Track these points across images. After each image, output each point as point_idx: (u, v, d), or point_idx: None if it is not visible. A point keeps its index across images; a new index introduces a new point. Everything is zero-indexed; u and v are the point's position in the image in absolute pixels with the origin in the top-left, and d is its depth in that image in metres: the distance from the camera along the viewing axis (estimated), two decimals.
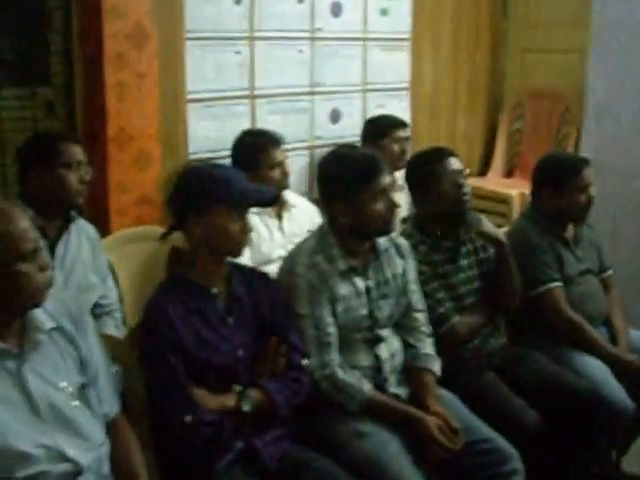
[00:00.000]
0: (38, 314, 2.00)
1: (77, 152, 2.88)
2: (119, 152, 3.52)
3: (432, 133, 4.78)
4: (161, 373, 2.34)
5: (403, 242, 2.90)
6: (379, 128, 4.04)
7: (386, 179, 2.68)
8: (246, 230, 2.43)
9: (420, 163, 3.13)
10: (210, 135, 3.83)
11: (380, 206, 2.66)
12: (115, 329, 3.01)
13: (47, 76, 3.64)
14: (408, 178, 3.16)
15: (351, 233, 2.71)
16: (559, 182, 3.33)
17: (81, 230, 3.02)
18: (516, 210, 4.56)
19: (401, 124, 4.11)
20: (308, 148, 4.23)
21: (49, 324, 2.03)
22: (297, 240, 3.66)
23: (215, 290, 2.45)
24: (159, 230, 3.63)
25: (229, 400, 2.38)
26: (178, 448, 2.34)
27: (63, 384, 2.01)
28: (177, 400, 2.32)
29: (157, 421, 2.38)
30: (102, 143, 3.50)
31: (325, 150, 4.27)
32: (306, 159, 4.23)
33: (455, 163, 3.08)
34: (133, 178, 3.58)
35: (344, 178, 2.66)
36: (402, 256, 2.86)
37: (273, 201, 2.54)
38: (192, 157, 3.79)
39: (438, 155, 3.11)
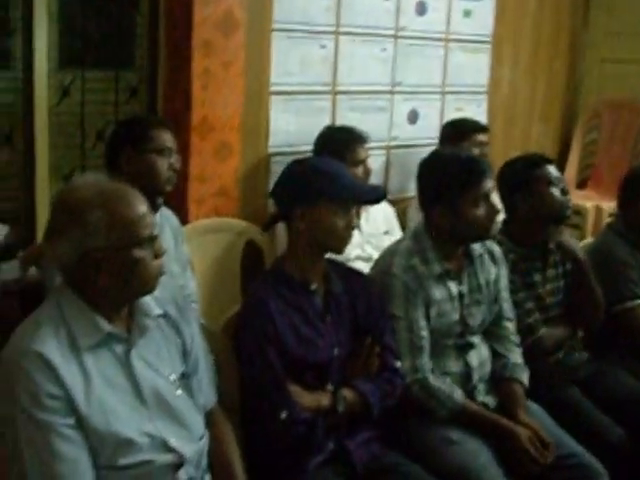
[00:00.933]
0: (146, 300, 1.97)
1: (168, 139, 2.83)
2: (201, 141, 3.48)
3: (507, 139, 4.70)
4: (258, 367, 2.29)
5: (496, 249, 2.83)
6: (460, 131, 3.96)
7: (489, 183, 2.61)
8: (351, 226, 2.37)
9: (523, 167, 3.04)
10: (290, 129, 3.79)
11: (481, 211, 2.59)
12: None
13: (131, 60, 3.63)
14: (506, 182, 3.09)
15: (448, 237, 2.65)
16: None
17: (164, 218, 2.98)
18: (591, 223, 4.47)
19: (482, 128, 4.04)
20: (385, 148, 4.18)
21: (156, 310, 1.99)
22: (374, 240, 3.65)
23: (314, 286, 2.40)
24: (236, 222, 3.64)
25: (324, 399, 2.33)
26: (270, 445, 2.30)
27: (167, 372, 1.98)
28: (273, 396, 2.28)
29: (250, 416, 2.33)
30: (185, 131, 3.45)
31: (401, 151, 4.27)
32: (382, 159, 4.17)
33: (556, 170, 3.03)
34: (213, 168, 3.53)
35: (446, 181, 2.60)
36: (495, 263, 2.80)
37: (381, 199, 2.48)
38: (271, 150, 3.74)
39: (540, 160, 3.05)
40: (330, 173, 2.35)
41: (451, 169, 2.61)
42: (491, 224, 2.64)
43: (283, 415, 2.25)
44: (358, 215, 3.58)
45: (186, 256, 3.09)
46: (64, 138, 3.52)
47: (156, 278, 1.92)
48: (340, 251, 2.42)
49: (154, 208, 2.90)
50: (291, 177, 2.41)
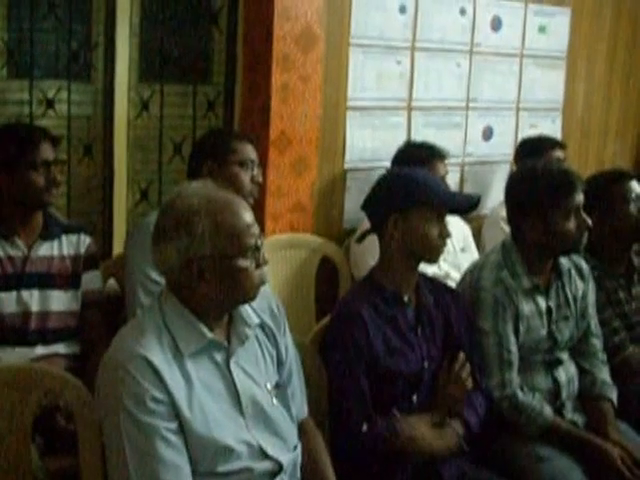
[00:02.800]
0: (246, 309, 1.97)
1: (251, 151, 2.85)
2: (279, 156, 3.48)
3: (581, 157, 4.64)
4: (344, 379, 2.28)
5: (584, 264, 2.80)
6: (536, 147, 3.91)
7: (580, 197, 2.58)
8: (444, 235, 2.36)
9: (603, 182, 3.02)
10: (366, 145, 3.77)
11: (572, 224, 2.57)
12: None
13: (209, 75, 3.65)
14: (587, 197, 3.03)
15: (538, 250, 2.62)
16: None
17: None
18: None
19: (558, 144, 3.99)
20: (459, 164, 4.15)
21: (255, 320, 1.99)
22: (450, 258, 3.60)
23: (406, 298, 2.39)
24: (312, 238, 3.63)
25: (451, 440, 2.31)
26: (353, 457, 2.27)
27: (264, 381, 1.97)
28: (356, 407, 2.27)
29: (335, 428, 2.32)
30: (262, 145, 3.45)
31: (475, 167, 4.23)
32: (457, 175, 4.14)
33: (638, 187, 2.99)
34: (290, 183, 3.53)
35: (539, 193, 2.57)
36: (583, 278, 2.76)
37: (473, 208, 2.45)
38: (347, 166, 3.73)
39: (623, 176, 3.03)
40: (424, 181, 2.36)
41: (544, 181, 2.58)
42: (581, 237, 2.62)
43: (364, 428, 2.24)
44: None
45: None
46: (142, 152, 3.55)
47: (258, 287, 1.92)
48: (434, 260, 2.41)
49: None
50: (385, 185, 2.41)
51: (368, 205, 2.43)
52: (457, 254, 3.63)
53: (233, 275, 1.85)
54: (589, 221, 2.61)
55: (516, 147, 4.07)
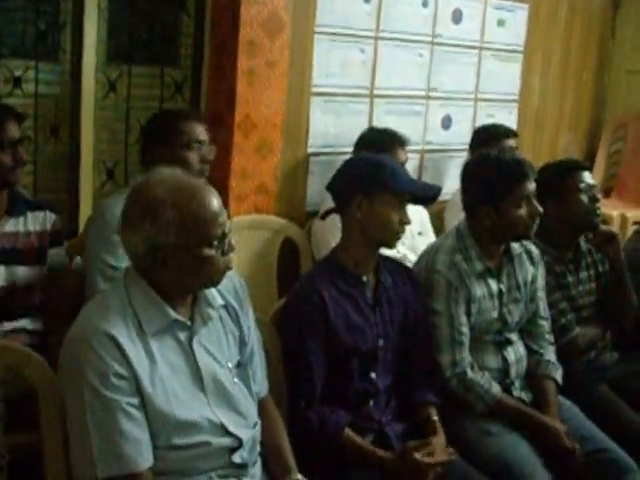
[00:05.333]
0: (210, 290, 2.02)
1: (199, 131, 2.82)
2: (244, 139, 3.55)
3: (535, 147, 4.78)
4: (295, 355, 2.39)
5: (534, 249, 2.91)
6: (490, 135, 4.03)
7: (532, 185, 2.69)
8: (404, 222, 2.45)
9: (556, 172, 3.12)
10: (329, 130, 3.86)
11: (523, 211, 2.67)
12: None
13: (177, 57, 3.71)
14: (540, 186, 3.15)
15: (490, 236, 2.72)
16: None
17: None
18: (616, 230, 4.52)
19: (511, 133, 4.11)
20: (419, 152, 4.26)
21: (219, 301, 2.05)
22: (408, 241, 3.71)
23: (365, 278, 2.48)
24: (275, 220, 3.71)
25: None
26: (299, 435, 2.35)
27: (226, 360, 2.04)
28: (300, 386, 2.37)
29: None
30: (228, 128, 3.53)
31: (434, 155, 4.34)
32: (416, 162, 4.25)
33: (590, 177, 3.10)
34: (254, 166, 3.60)
35: (491, 181, 2.67)
36: (533, 263, 2.88)
37: (435, 198, 2.55)
38: (310, 151, 3.81)
39: (575, 166, 3.12)
40: (391, 168, 2.45)
41: (496, 170, 2.69)
42: (532, 224, 2.72)
43: (302, 404, 2.34)
44: None
45: None
46: (109, 132, 3.60)
47: (222, 274, 1.96)
48: (392, 245, 2.50)
49: None
50: (353, 168, 2.49)
51: (334, 185, 2.51)
52: (415, 238, 3.74)
53: (198, 263, 1.89)
54: (540, 209, 2.72)
55: (471, 135, 4.18)
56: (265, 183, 3.65)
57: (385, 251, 3.51)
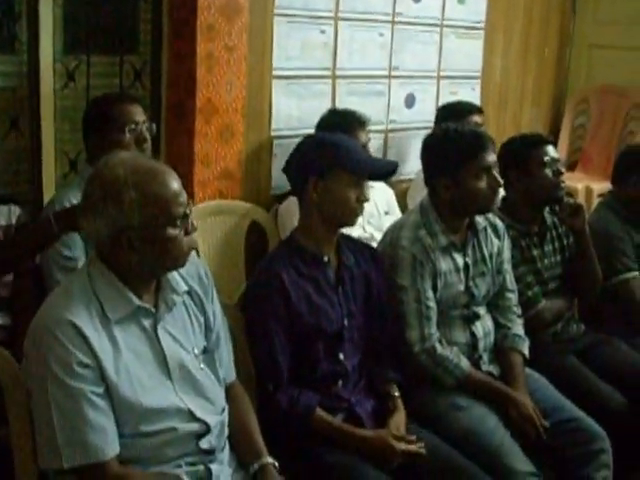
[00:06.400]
0: (174, 275, 2.02)
1: (132, 112, 2.77)
2: (206, 124, 3.53)
3: (499, 123, 4.80)
4: (259, 339, 2.38)
5: (499, 223, 2.93)
6: (454, 112, 4.03)
7: (491, 157, 2.70)
8: (362, 199, 2.44)
9: (521, 146, 3.14)
10: (292, 113, 3.85)
11: (483, 183, 2.68)
12: None
13: (135, 45, 3.67)
14: (504, 160, 3.17)
15: (452, 209, 2.73)
16: None
17: None
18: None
19: (477, 109, 4.12)
20: (383, 131, 4.26)
21: (183, 286, 2.05)
22: (374, 221, 3.73)
23: (327, 258, 2.48)
24: (240, 205, 3.70)
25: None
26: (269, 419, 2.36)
27: (191, 346, 2.04)
28: (267, 370, 2.37)
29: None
30: (189, 114, 3.51)
31: (398, 134, 4.34)
32: (380, 142, 4.25)
33: (554, 151, 3.12)
34: (217, 151, 3.59)
35: (449, 153, 2.68)
36: (499, 236, 2.89)
37: (391, 174, 2.55)
38: (274, 134, 3.80)
39: (539, 140, 3.14)
40: (344, 146, 2.43)
41: (454, 142, 2.70)
42: (493, 196, 2.73)
43: (270, 387, 2.34)
44: None
45: None
46: (69, 122, 3.55)
47: (187, 254, 1.97)
48: (351, 223, 2.49)
49: None
50: (306, 149, 2.48)
51: (289, 168, 2.50)
52: (381, 217, 3.75)
53: (162, 244, 1.89)
54: (501, 180, 2.73)
55: (436, 112, 4.19)
56: (229, 168, 3.64)
57: (352, 231, 3.58)
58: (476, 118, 4.07)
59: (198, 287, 2.10)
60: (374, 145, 4.08)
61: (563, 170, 3.13)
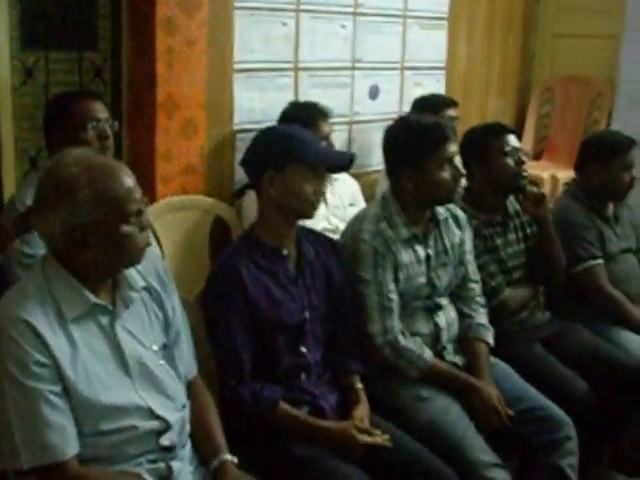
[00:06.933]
0: (131, 272, 2.01)
1: (93, 109, 2.75)
2: (167, 119, 3.50)
3: (464, 113, 4.75)
4: (219, 334, 2.37)
5: (460, 213, 2.93)
6: (430, 106, 4.03)
7: (453, 147, 2.70)
8: (319, 192, 2.43)
9: (482, 135, 3.14)
10: (255, 106, 3.82)
11: (446, 174, 2.68)
12: None
13: (95, 41, 3.64)
14: (466, 150, 3.18)
15: (414, 200, 2.73)
16: (607, 158, 3.39)
17: None
18: (547, 192, 4.58)
19: (452, 103, 4.12)
20: (347, 123, 4.24)
21: (140, 283, 2.04)
22: (339, 212, 3.72)
23: (286, 251, 2.47)
24: (203, 200, 3.68)
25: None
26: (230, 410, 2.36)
27: (150, 343, 2.03)
28: (228, 364, 2.36)
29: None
30: (150, 110, 3.48)
31: (363, 126, 4.33)
32: (345, 134, 4.24)
33: (515, 140, 3.12)
34: (179, 146, 3.56)
35: (412, 144, 2.68)
36: (460, 227, 2.90)
37: (349, 165, 2.54)
38: (236, 128, 3.78)
39: (500, 129, 3.14)
40: (300, 138, 2.42)
41: (416, 133, 2.69)
42: (456, 187, 2.74)
43: (232, 382, 2.33)
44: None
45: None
46: (29, 120, 3.52)
47: (142, 251, 1.97)
48: (309, 216, 2.48)
49: None
50: (261, 143, 2.47)
51: (245, 162, 2.49)
52: (346, 209, 3.75)
53: (117, 241, 1.88)
54: (462, 171, 2.74)
55: (411, 106, 4.18)
56: (191, 163, 3.61)
57: (317, 223, 3.59)
58: (451, 112, 4.07)
59: (156, 283, 2.09)
60: (339, 137, 4.08)
61: (525, 159, 3.13)
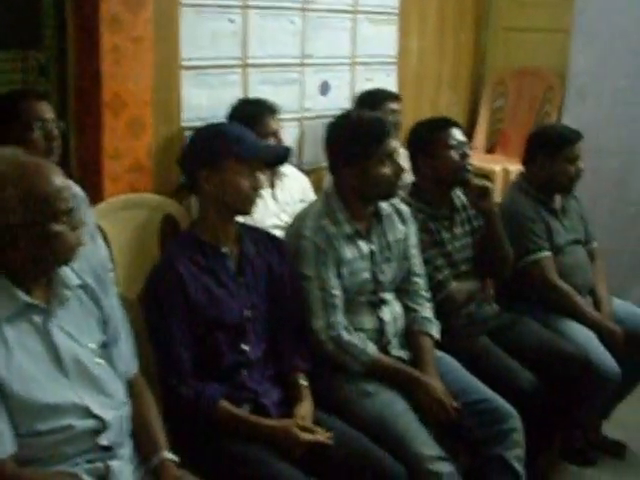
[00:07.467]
0: (65, 270, 2.01)
1: (40, 109, 2.74)
2: (113, 118, 3.46)
3: (416, 108, 4.79)
4: (159, 332, 2.38)
5: (404, 208, 2.95)
6: (372, 100, 4.05)
7: (393, 143, 2.72)
8: (256, 187, 2.44)
9: (426, 130, 3.17)
10: (203, 103, 3.79)
11: (387, 170, 2.70)
12: None
13: (39, 39, 3.58)
14: (411, 144, 3.20)
15: (356, 196, 2.75)
16: (553, 151, 3.42)
17: None
18: (499, 185, 4.62)
19: (394, 96, 4.15)
20: (298, 119, 4.23)
21: (75, 281, 2.03)
22: (289, 209, 3.72)
23: (225, 249, 2.47)
24: (152, 197, 3.65)
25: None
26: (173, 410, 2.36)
27: (87, 341, 2.02)
28: (168, 362, 2.36)
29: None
30: (96, 108, 3.44)
31: (314, 122, 4.33)
32: (296, 130, 4.22)
33: (460, 134, 3.14)
34: (127, 144, 3.52)
35: (352, 141, 2.70)
36: (404, 221, 2.91)
37: (284, 158, 2.54)
38: (185, 125, 3.75)
39: (445, 124, 3.16)
40: (234, 135, 2.43)
41: (357, 130, 2.71)
42: (397, 182, 2.76)
43: (173, 381, 2.33)
44: (272, 185, 3.70)
45: (93, 225, 3.08)
46: None
47: (74, 250, 1.96)
48: (247, 212, 2.49)
49: None
50: (196, 141, 2.48)
51: (181, 161, 2.49)
52: (296, 205, 3.73)
53: (47, 240, 1.88)
54: (403, 166, 2.76)
55: (354, 101, 4.19)
56: (139, 161, 3.58)
57: (267, 220, 3.59)
58: (392, 105, 4.09)
59: (93, 281, 2.09)
60: (290, 133, 4.08)
61: (469, 152, 3.17)
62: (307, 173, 3.96)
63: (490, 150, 5.21)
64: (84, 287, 2.06)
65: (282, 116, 3.76)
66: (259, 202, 3.56)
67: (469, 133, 5.24)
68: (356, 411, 2.59)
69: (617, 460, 3.60)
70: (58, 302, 1.98)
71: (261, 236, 2.62)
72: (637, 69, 4.47)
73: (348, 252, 2.71)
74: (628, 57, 4.47)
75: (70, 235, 1.92)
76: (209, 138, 2.43)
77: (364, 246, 2.76)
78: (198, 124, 3.73)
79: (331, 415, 2.52)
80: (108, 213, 3.42)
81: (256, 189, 2.44)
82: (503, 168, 4.75)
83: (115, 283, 3.12)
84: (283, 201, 3.71)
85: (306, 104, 4.26)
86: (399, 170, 2.73)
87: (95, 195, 3.33)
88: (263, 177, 2.49)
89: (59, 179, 1.91)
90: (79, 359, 1.98)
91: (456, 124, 3.21)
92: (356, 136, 2.69)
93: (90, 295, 2.08)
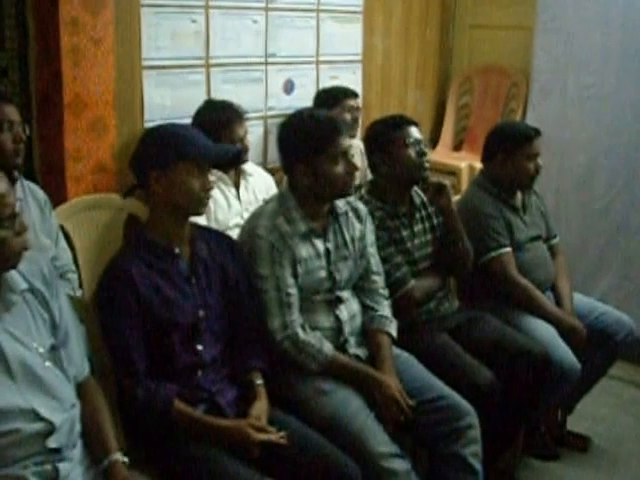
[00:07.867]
0: (12, 275, 2.01)
1: (7, 111, 2.77)
2: (75, 119, 3.48)
3: (383, 106, 4.83)
4: (111, 334, 2.38)
5: (361, 206, 2.96)
6: (331, 97, 4.09)
7: (346, 141, 2.72)
8: (207, 187, 2.44)
9: (383, 128, 3.17)
10: (166, 103, 3.81)
11: (340, 168, 2.71)
12: (70, 291, 2.97)
13: (1, 41, 3.58)
14: (368, 142, 3.22)
15: (311, 195, 2.75)
16: (511, 148, 3.44)
17: (28, 191, 2.97)
18: (465, 182, 4.66)
19: (352, 94, 4.18)
20: (262, 118, 4.25)
21: (22, 285, 2.03)
22: (252, 208, 3.70)
23: (178, 250, 2.47)
24: (115, 198, 3.66)
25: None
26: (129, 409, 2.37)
27: (35, 345, 2.03)
28: (121, 364, 2.37)
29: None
30: (57, 109, 3.46)
31: (278, 121, 4.33)
32: (260, 129, 4.24)
33: (417, 132, 3.16)
34: (89, 145, 3.54)
35: (304, 140, 2.70)
36: (360, 220, 2.92)
37: (235, 158, 2.55)
38: (147, 125, 3.76)
39: (402, 122, 3.17)
40: (183, 135, 2.43)
41: (309, 128, 2.71)
42: (350, 181, 2.76)
43: (128, 382, 2.34)
44: (236, 185, 3.71)
45: (56, 227, 3.09)
46: None
47: (18, 255, 1.97)
48: (198, 212, 2.50)
49: (12, 182, 2.89)
50: (146, 142, 2.47)
51: (132, 163, 2.49)
52: (260, 204, 3.75)
53: None
54: (357, 165, 2.78)
55: (313, 99, 4.21)
56: (102, 162, 3.60)
57: (231, 219, 3.60)
58: (352, 102, 4.13)
59: (41, 284, 2.09)
60: (254, 132, 4.10)
61: (426, 150, 3.18)
62: (271, 172, 3.98)
63: (457, 147, 5.24)
64: (32, 291, 2.07)
65: (246, 115, 3.77)
66: (223, 202, 3.64)
67: (436, 130, 5.30)
68: (313, 409, 2.60)
69: (581, 453, 3.63)
70: (5, 307, 1.98)
71: (215, 236, 2.63)
72: (601, 65, 4.50)
73: (303, 251, 2.72)
74: (592, 54, 4.50)
75: (14, 240, 1.93)
76: (159, 139, 2.42)
77: (320, 244, 2.77)
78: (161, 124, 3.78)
79: (288, 414, 2.52)
80: (71, 214, 3.42)
81: (206, 190, 2.44)
82: (469, 165, 4.78)
83: (79, 284, 3.16)
84: (247, 201, 3.72)
85: (270, 103, 4.29)
86: (353, 168, 2.73)
87: (58, 196, 3.34)
88: (213, 178, 2.46)
89: (2, 185, 1.92)
90: (26, 363, 1.98)
91: (413, 122, 3.22)
92: (307, 134, 2.70)
93: (38, 298, 2.08)
